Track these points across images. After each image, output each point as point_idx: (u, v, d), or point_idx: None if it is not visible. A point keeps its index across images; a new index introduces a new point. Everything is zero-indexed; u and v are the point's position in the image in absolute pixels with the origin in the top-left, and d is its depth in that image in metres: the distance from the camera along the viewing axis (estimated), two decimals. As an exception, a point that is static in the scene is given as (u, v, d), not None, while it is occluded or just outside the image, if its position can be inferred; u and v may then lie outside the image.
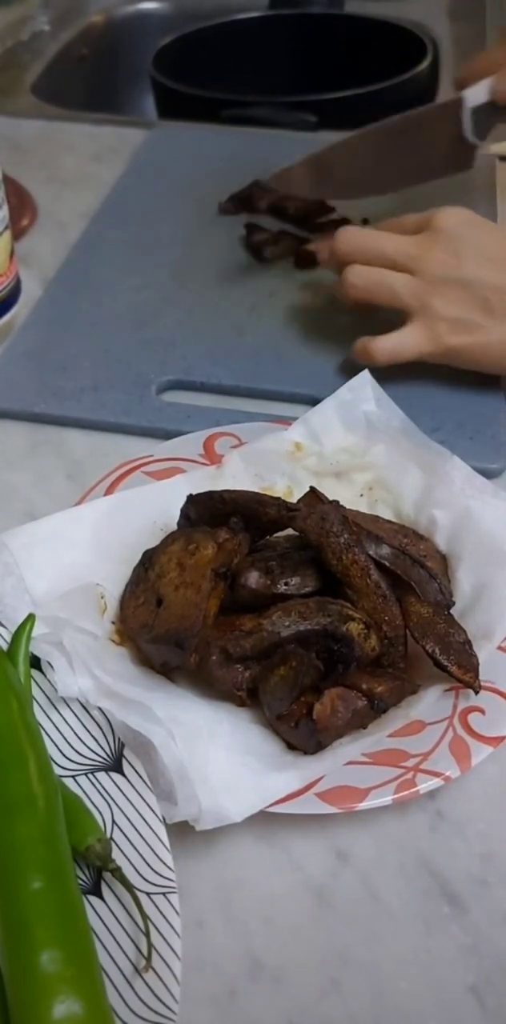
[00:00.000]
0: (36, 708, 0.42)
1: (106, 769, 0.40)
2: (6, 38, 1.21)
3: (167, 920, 0.36)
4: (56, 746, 0.41)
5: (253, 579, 0.45)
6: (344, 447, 0.55)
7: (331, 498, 0.48)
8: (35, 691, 0.43)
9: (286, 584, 0.45)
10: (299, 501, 0.49)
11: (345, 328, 0.67)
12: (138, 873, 0.37)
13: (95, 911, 0.37)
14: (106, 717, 0.41)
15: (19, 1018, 0.32)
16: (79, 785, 0.40)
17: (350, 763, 0.40)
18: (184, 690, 0.43)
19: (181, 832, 0.39)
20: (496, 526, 0.49)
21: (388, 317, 0.62)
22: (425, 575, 0.46)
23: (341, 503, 0.47)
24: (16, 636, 0.43)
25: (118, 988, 0.34)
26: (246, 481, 0.53)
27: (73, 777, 0.40)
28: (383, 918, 0.38)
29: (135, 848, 0.38)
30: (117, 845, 0.38)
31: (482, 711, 0.42)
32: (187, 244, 0.79)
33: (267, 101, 1.03)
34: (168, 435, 0.58)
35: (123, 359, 0.66)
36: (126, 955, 0.35)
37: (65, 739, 0.42)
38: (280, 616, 0.43)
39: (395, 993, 0.36)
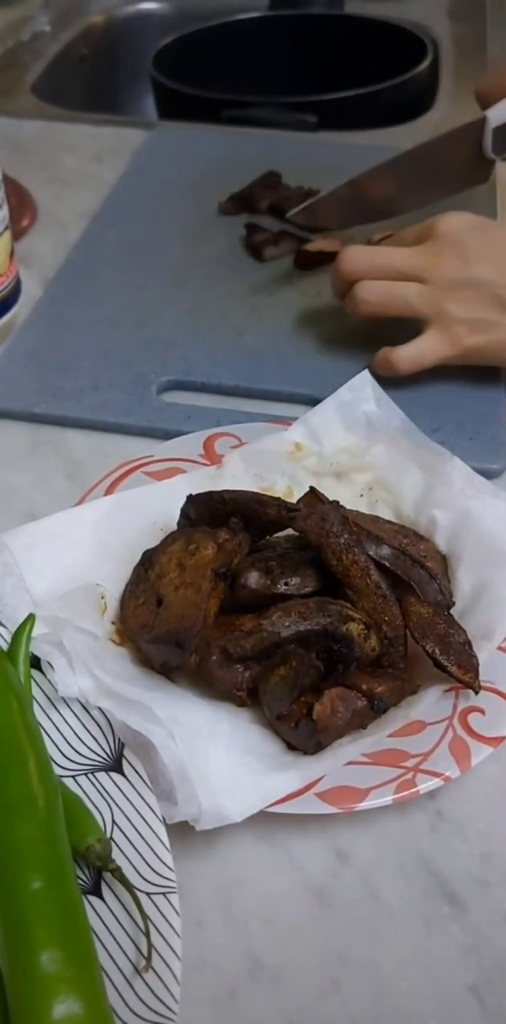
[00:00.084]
0: (36, 708, 0.42)
1: (106, 769, 0.40)
2: (6, 38, 1.21)
3: (167, 920, 0.36)
4: (56, 746, 0.41)
5: (253, 579, 0.45)
6: (344, 447, 0.55)
7: (331, 498, 0.48)
8: (35, 691, 0.43)
9: (286, 584, 0.45)
10: (299, 501, 0.49)
11: (345, 328, 0.67)
12: (138, 873, 0.37)
13: (95, 911, 0.37)
14: (106, 717, 0.41)
15: (19, 1018, 0.32)
16: (79, 785, 0.40)
17: (350, 763, 0.40)
18: (184, 690, 0.43)
19: (181, 832, 0.39)
20: (496, 526, 0.49)
21: (394, 319, 0.62)
22: (425, 575, 0.46)
23: (341, 503, 0.47)
24: (16, 636, 0.43)
25: (118, 988, 0.34)
26: (246, 481, 0.53)
27: (73, 777, 0.40)
28: (383, 918, 0.38)
29: (135, 848, 0.38)
30: (117, 845, 0.38)
31: (482, 711, 0.42)
32: (187, 244, 0.79)
33: (267, 101, 1.03)
34: (168, 435, 0.58)
35: (123, 359, 0.66)
36: (126, 955, 0.35)
37: (65, 739, 0.42)
38: (280, 616, 0.43)
39: (395, 993, 0.36)
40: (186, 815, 0.38)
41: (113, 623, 0.47)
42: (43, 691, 0.43)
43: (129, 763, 0.40)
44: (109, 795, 0.39)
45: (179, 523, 0.49)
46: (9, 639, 0.43)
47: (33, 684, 0.43)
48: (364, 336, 0.66)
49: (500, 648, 0.45)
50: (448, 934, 0.38)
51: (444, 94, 1.07)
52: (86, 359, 0.66)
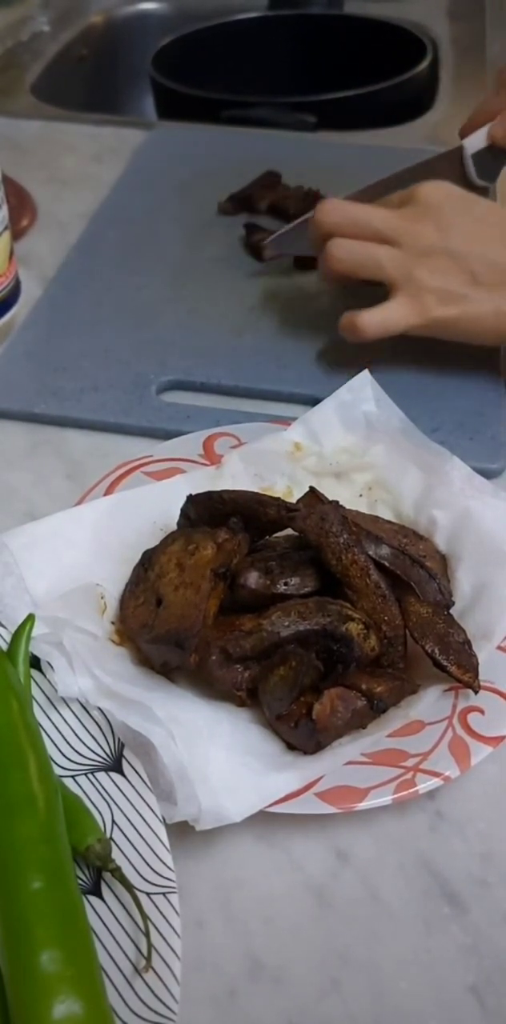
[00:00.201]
0: (36, 708, 0.42)
1: (106, 769, 0.40)
2: (6, 38, 1.22)
3: (167, 920, 0.36)
4: (56, 746, 0.41)
5: (253, 579, 0.45)
6: (344, 447, 0.55)
7: (331, 498, 0.48)
8: (35, 691, 0.43)
9: (286, 584, 0.45)
10: (299, 501, 0.49)
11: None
12: (138, 873, 0.37)
13: (95, 911, 0.37)
14: (106, 717, 0.41)
15: (19, 1018, 0.32)
16: (79, 785, 0.40)
17: (350, 763, 0.40)
18: (184, 690, 0.43)
19: (181, 832, 0.39)
20: (496, 526, 0.49)
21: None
22: (425, 575, 0.46)
23: (341, 503, 0.47)
24: (16, 636, 0.43)
25: (118, 988, 0.34)
26: (246, 481, 0.53)
27: (73, 777, 0.40)
28: (383, 918, 0.38)
29: (135, 848, 0.38)
30: (117, 845, 0.38)
31: (482, 711, 0.42)
32: (187, 244, 0.79)
33: (267, 101, 1.03)
34: (168, 435, 0.58)
35: (123, 359, 0.66)
36: (126, 955, 0.35)
37: (65, 739, 0.42)
38: (280, 616, 0.43)
39: (395, 993, 0.36)
40: (186, 815, 0.38)
41: (113, 623, 0.47)
42: (43, 691, 0.43)
43: (129, 763, 0.40)
44: (109, 795, 0.39)
45: (179, 523, 0.49)
46: (9, 639, 0.43)
47: (33, 684, 0.43)
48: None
49: (500, 648, 0.45)
50: (448, 934, 0.38)
51: (444, 94, 1.07)
52: (86, 359, 0.66)
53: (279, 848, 0.40)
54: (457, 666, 0.43)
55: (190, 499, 0.48)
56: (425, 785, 0.39)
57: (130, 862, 0.37)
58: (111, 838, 0.38)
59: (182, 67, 1.11)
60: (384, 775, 0.40)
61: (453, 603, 0.47)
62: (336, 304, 0.66)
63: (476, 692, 0.43)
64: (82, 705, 0.42)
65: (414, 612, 0.44)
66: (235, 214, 0.82)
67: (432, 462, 0.53)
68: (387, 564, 0.46)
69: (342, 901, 0.39)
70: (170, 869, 0.37)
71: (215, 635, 0.43)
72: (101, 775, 0.40)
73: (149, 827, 0.38)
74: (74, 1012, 0.31)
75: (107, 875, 0.37)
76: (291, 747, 0.42)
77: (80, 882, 0.37)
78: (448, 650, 0.43)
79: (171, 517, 0.49)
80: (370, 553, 0.45)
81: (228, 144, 0.94)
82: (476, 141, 0.67)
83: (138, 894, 0.36)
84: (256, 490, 0.51)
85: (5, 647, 0.43)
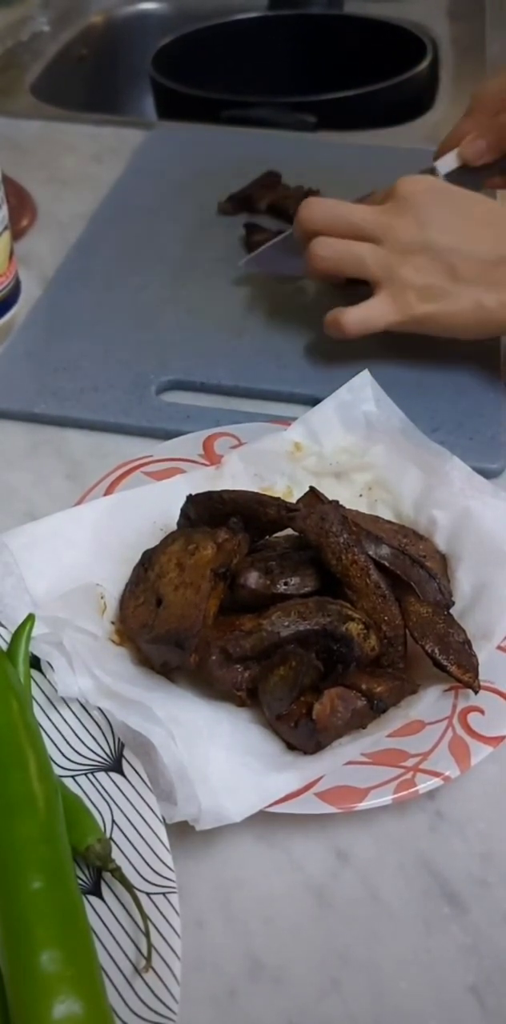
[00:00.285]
0: (36, 708, 0.42)
1: (106, 769, 0.40)
2: (6, 38, 1.21)
3: (167, 920, 0.36)
4: (56, 746, 0.41)
5: (253, 579, 0.45)
6: (344, 447, 0.55)
7: (331, 498, 0.48)
8: (35, 691, 0.43)
9: (286, 584, 0.45)
10: (299, 501, 0.49)
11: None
12: (138, 873, 0.37)
13: (95, 911, 0.37)
14: (106, 717, 0.41)
15: (19, 1018, 0.32)
16: (79, 785, 0.40)
17: (350, 763, 0.40)
18: (184, 690, 0.43)
19: (181, 832, 0.39)
20: (496, 526, 0.49)
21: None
22: (425, 575, 0.46)
23: (341, 503, 0.47)
24: (16, 636, 0.43)
25: (118, 988, 0.34)
26: (246, 481, 0.53)
27: (73, 777, 0.40)
28: (383, 918, 0.38)
29: (135, 848, 0.38)
30: (117, 845, 0.38)
31: (482, 711, 0.42)
32: (187, 244, 0.79)
33: (267, 101, 1.03)
34: (168, 435, 0.58)
35: (123, 359, 0.66)
36: (126, 955, 0.35)
37: (65, 739, 0.42)
38: (280, 616, 0.43)
39: (395, 993, 0.36)
40: (186, 815, 0.38)
41: (113, 623, 0.47)
42: (43, 691, 0.43)
43: (129, 763, 0.40)
44: (109, 795, 0.39)
45: (179, 523, 0.49)
46: (9, 639, 0.43)
47: (33, 684, 0.43)
48: (364, 336, 0.66)
49: (500, 648, 0.45)
50: (448, 934, 0.38)
51: (443, 94, 1.07)
52: (86, 359, 0.66)
53: (279, 848, 0.40)
54: (457, 666, 0.43)
55: (190, 499, 0.48)
56: (425, 785, 0.39)
57: (130, 862, 0.37)
58: (111, 838, 0.38)
59: (182, 67, 1.11)
60: (384, 775, 0.40)
61: (453, 603, 0.47)
62: (336, 304, 0.65)
63: (476, 692, 0.43)
64: (82, 705, 0.42)
65: (414, 612, 0.44)
66: (235, 214, 0.82)
67: (432, 462, 0.53)
68: (387, 564, 0.46)
69: (342, 901, 0.39)
70: (170, 869, 0.37)
71: (215, 635, 0.43)
72: (101, 775, 0.40)
73: (149, 827, 0.38)
74: (74, 1012, 0.31)
75: (107, 875, 0.37)
76: (291, 747, 0.42)
77: (80, 882, 0.37)
78: (448, 650, 0.43)
79: (171, 517, 0.49)
80: (370, 553, 0.45)
81: (228, 144, 0.94)
82: (448, 162, 0.69)
83: (138, 894, 0.36)
84: (256, 490, 0.51)
85: (5, 647, 0.43)
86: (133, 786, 0.39)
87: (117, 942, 0.36)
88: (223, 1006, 0.36)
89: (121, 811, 0.39)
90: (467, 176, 0.68)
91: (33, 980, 0.32)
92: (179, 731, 0.39)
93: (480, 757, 0.40)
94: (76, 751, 0.41)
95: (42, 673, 0.43)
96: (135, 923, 0.36)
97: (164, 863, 0.37)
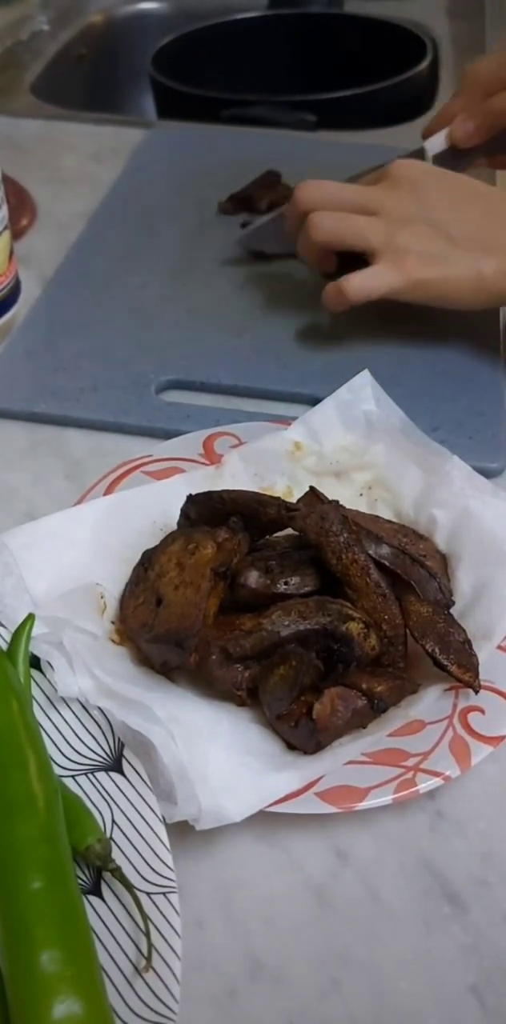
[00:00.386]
0: (36, 708, 0.42)
1: (106, 769, 0.40)
2: (6, 38, 1.21)
3: (167, 920, 0.36)
4: (56, 746, 0.41)
5: (253, 579, 0.45)
6: (344, 447, 0.55)
7: (331, 498, 0.48)
8: (35, 691, 0.43)
9: (286, 584, 0.45)
10: (299, 501, 0.49)
11: (345, 328, 0.67)
12: (138, 873, 0.37)
13: (95, 911, 0.37)
14: (106, 717, 0.41)
15: (19, 1018, 0.32)
16: (79, 785, 0.40)
17: (350, 763, 0.40)
18: (184, 690, 0.43)
19: (181, 832, 0.39)
20: (496, 526, 0.49)
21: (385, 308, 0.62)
22: (425, 574, 0.46)
23: (341, 503, 0.47)
24: (16, 636, 0.43)
25: (118, 988, 0.34)
26: (246, 481, 0.53)
27: (73, 777, 0.40)
28: (383, 918, 0.38)
29: (135, 848, 0.38)
30: (117, 845, 0.38)
31: (482, 711, 0.42)
32: (187, 244, 0.79)
33: (267, 101, 1.03)
34: (167, 435, 0.58)
35: (123, 359, 0.66)
36: (126, 955, 0.35)
37: (65, 739, 0.42)
38: (280, 616, 0.43)
39: (395, 993, 0.36)
40: (186, 815, 0.38)
41: (113, 623, 0.47)
42: (43, 691, 0.43)
43: (129, 763, 0.40)
44: (109, 795, 0.39)
45: (179, 523, 0.49)
46: (9, 639, 0.43)
47: (33, 684, 0.43)
48: (364, 335, 0.66)
49: (500, 647, 0.45)
50: (448, 934, 0.38)
51: (444, 94, 1.07)
52: (86, 359, 0.66)
53: (279, 848, 0.40)
54: (457, 665, 0.43)
55: (190, 499, 0.48)
56: (425, 785, 0.39)
57: (130, 862, 0.37)
58: (111, 838, 0.38)
59: (182, 66, 1.11)
60: (384, 775, 0.40)
61: (453, 602, 0.47)
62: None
63: (476, 692, 0.43)
64: (82, 705, 0.42)
65: (414, 611, 0.44)
66: (235, 214, 0.82)
67: (432, 461, 0.53)
68: (387, 563, 0.46)
69: (342, 901, 0.39)
70: (170, 869, 0.37)
71: (215, 635, 0.43)
72: (101, 775, 0.40)
73: (149, 827, 0.38)
74: (74, 1012, 0.31)
75: (107, 875, 0.37)
76: (291, 747, 0.42)
77: (80, 882, 0.37)
78: (448, 649, 0.43)
79: (171, 517, 0.49)
80: (370, 552, 0.45)
81: (228, 143, 0.94)
82: (436, 143, 0.69)
83: (138, 894, 0.36)
84: (256, 490, 0.51)
85: (5, 647, 0.43)
86: (133, 786, 0.39)
87: (117, 942, 0.36)
88: (223, 1006, 0.36)
89: (121, 811, 0.39)
90: (455, 157, 0.69)
91: (33, 980, 0.32)
92: (179, 731, 0.39)
93: (480, 757, 0.40)
94: (76, 751, 0.41)
95: (42, 673, 0.43)
96: (135, 923, 0.36)
97: (164, 863, 0.37)
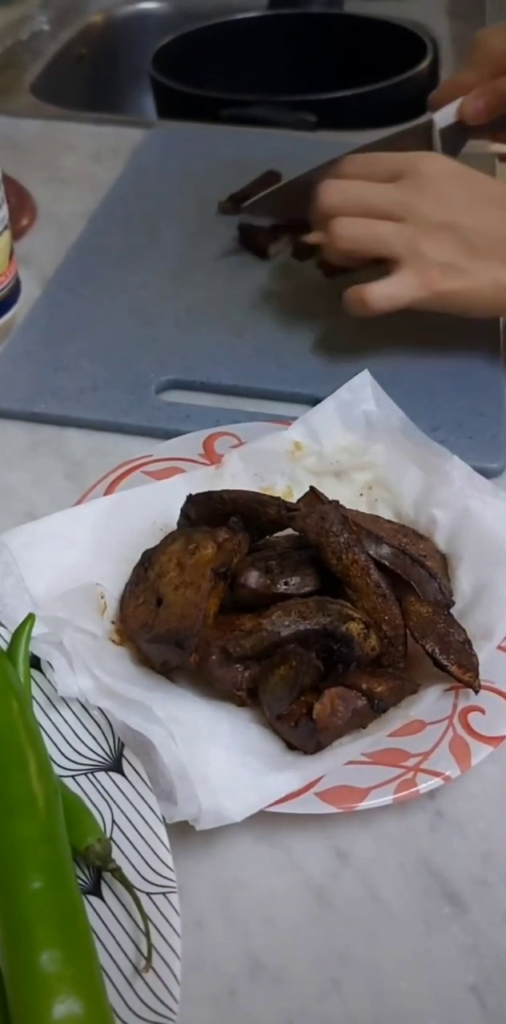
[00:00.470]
0: (36, 708, 0.42)
1: (106, 769, 0.40)
2: (6, 38, 1.21)
3: (167, 920, 0.36)
4: (56, 746, 0.41)
5: (253, 579, 0.45)
6: (344, 447, 0.55)
7: (331, 498, 0.48)
8: (35, 691, 0.43)
9: (286, 584, 0.45)
10: (299, 501, 0.49)
11: (345, 328, 0.67)
12: (138, 873, 0.37)
13: (95, 911, 0.37)
14: (106, 717, 0.41)
15: (19, 1018, 0.32)
16: (79, 785, 0.40)
17: (350, 763, 0.40)
18: (184, 690, 0.43)
19: (181, 832, 0.39)
20: (496, 526, 0.49)
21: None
22: (425, 574, 0.46)
23: (341, 503, 0.47)
24: (16, 636, 0.43)
25: (118, 988, 0.34)
26: (246, 481, 0.53)
27: (73, 777, 0.40)
28: (383, 918, 0.38)
29: (135, 848, 0.38)
30: (117, 845, 0.38)
31: (482, 711, 0.42)
32: (187, 244, 0.79)
33: (266, 101, 1.03)
34: (167, 435, 0.58)
35: (123, 359, 0.66)
36: (126, 955, 0.35)
37: (65, 739, 0.42)
38: (280, 616, 0.43)
39: (395, 993, 0.36)
40: (186, 815, 0.38)
41: (113, 623, 0.47)
42: (43, 691, 0.43)
43: (129, 763, 0.40)
44: (109, 795, 0.39)
45: (179, 523, 0.49)
46: (9, 639, 0.43)
47: (33, 684, 0.43)
48: (364, 335, 0.66)
49: (500, 647, 0.45)
50: (448, 934, 0.38)
51: (443, 93, 1.07)
52: (86, 359, 0.66)
53: (279, 848, 0.40)
54: (457, 666, 0.43)
55: (190, 499, 0.48)
56: (425, 785, 0.39)
57: (130, 862, 0.37)
58: (111, 838, 0.38)
59: (182, 66, 1.11)
60: (384, 775, 0.40)
61: (453, 603, 0.47)
62: (336, 303, 0.65)
63: (476, 692, 0.43)
64: (82, 705, 0.42)
65: (414, 612, 0.44)
66: (235, 213, 0.82)
67: (432, 461, 0.53)
68: (387, 563, 0.46)
69: (342, 901, 0.39)
70: (170, 869, 0.37)
71: (215, 635, 0.43)
72: (101, 775, 0.40)
73: (149, 827, 0.38)
74: (74, 1012, 0.31)
75: (107, 875, 0.37)
76: (291, 747, 0.42)
77: (80, 882, 0.37)
78: (448, 650, 0.43)
79: (171, 517, 0.49)
80: (370, 552, 0.45)
81: (228, 143, 0.94)
82: (445, 116, 0.69)
83: (138, 894, 0.36)
84: (256, 490, 0.51)
85: (5, 647, 0.43)
86: (133, 786, 0.39)
87: (117, 942, 0.36)
88: (223, 1006, 0.36)
89: (121, 811, 0.39)
90: (461, 130, 0.69)
91: (33, 980, 0.32)
92: (179, 731, 0.39)
93: (480, 757, 0.40)
94: (76, 751, 0.41)
95: (42, 673, 0.43)
96: (135, 923, 0.36)
97: (164, 863, 0.37)
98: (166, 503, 0.50)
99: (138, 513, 0.51)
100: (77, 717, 0.42)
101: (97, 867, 0.37)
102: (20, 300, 0.69)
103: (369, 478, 0.54)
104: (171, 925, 0.36)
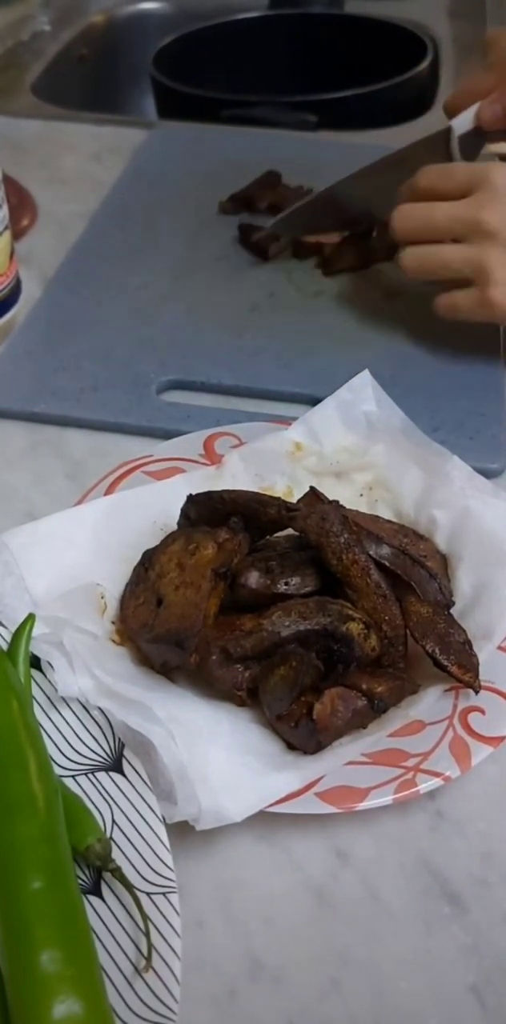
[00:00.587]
0: (36, 708, 0.42)
1: (106, 769, 0.40)
2: (6, 38, 1.21)
3: (167, 920, 0.36)
4: (56, 746, 0.41)
5: (253, 579, 0.45)
6: (344, 447, 0.55)
7: (331, 498, 0.48)
8: (35, 691, 0.43)
9: (286, 584, 0.45)
10: (299, 501, 0.49)
11: (345, 328, 0.67)
12: (138, 873, 0.37)
13: (95, 911, 0.37)
14: (106, 717, 0.41)
15: (19, 1018, 0.32)
16: (79, 785, 0.40)
17: (350, 763, 0.40)
18: (184, 690, 0.43)
19: (181, 832, 0.39)
20: (496, 526, 0.49)
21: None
22: (425, 575, 0.46)
23: (341, 503, 0.47)
24: (16, 636, 0.43)
25: (118, 988, 0.34)
26: (246, 481, 0.53)
27: (73, 777, 0.40)
28: (383, 918, 0.38)
29: (135, 848, 0.38)
30: (117, 845, 0.38)
31: (482, 711, 0.42)
32: (187, 244, 0.79)
33: (267, 101, 1.03)
34: (168, 435, 0.58)
35: (123, 359, 0.66)
36: (126, 955, 0.35)
37: (65, 739, 0.42)
38: (280, 616, 0.43)
39: (395, 993, 0.36)
40: (186, 815, 0.38)
41: (113, 623, 0.47)
42: (43, 691, 0.43)
43: (129, 763, 0.40)
44: (109, 795, 0.39)
45: (179, 523, 0.49)
46: (9, 639, 0.43)
47: (33, 684, 0.43)
48: (364, 336, 0.66)
49: (500, 648, 0.45)
50: (448, 934, 0.38)
51: (444, 94, 1.06)
52: (86, 359, 0.66)
53: (279, 848, 0.40)
54: (458, 666, 0.43)
55: (190, 499, 0.48)
56: (426, 785, 0.39)
57: (130, 862, 0.37)
58: (111, 838, 0.38)
59: (182, 66, 1.11)
60: (384, 775, 0.40)
61: (453, 603, 0.47)
62: (337, 303, 0.66)
63: (477, 692, 0.43)
64: (82, 705, 0.42)
65: (414, 612, 0.44)
66: (235, 214, 0.82)
67: (432, 462, 0.53)
68: (387, 564, 0.46)
69: (342, 901, 0.39)
70: (170, 869, 0.37)
71: (215, 635, 0.43)
72: (101, 775, 0.40)
73: (149, 827, 0.38)
74: (74, 1012, 0.31)
75: (107, 875, 0.37)
76: (291, 747, 0.42)
77: (80, 882, 0.37)
78: (449, 650, 0.43)
79: (171, 517, 0.49)
80: (370, 553, 0.45)
81: (228, 144, 0.94)
82: (463, 123, 0.68)
83: (138, 894, 0.36)
84: (256, 490, 0.51)
85: (5, 647, 0.43)
86: (133, 786, 0.39)
87: (117, 942, 0.36)
88: (223, 1006, 0.36)
89: (121, 811, 0.39)
90: (478, 135, 0.69)
91: (33, 980, 0.32)
92: (179, 731, 0.39)
93: (480, 757, 0.40)
94: (76, 751, 0.41)
95: (42, 673, 0.43)
96: (135, 923, 0.36)
97: (164, 863, 0.37)
98: (166, 503, 0.50)
99: (138, 513, 0.51)
100: (77, 717, 0.42)
101: (97, 867, 0.37)
102: (20, 300, 0.69)
103: (369, 478, 0.54)
104: (171, 925, 0.36)
